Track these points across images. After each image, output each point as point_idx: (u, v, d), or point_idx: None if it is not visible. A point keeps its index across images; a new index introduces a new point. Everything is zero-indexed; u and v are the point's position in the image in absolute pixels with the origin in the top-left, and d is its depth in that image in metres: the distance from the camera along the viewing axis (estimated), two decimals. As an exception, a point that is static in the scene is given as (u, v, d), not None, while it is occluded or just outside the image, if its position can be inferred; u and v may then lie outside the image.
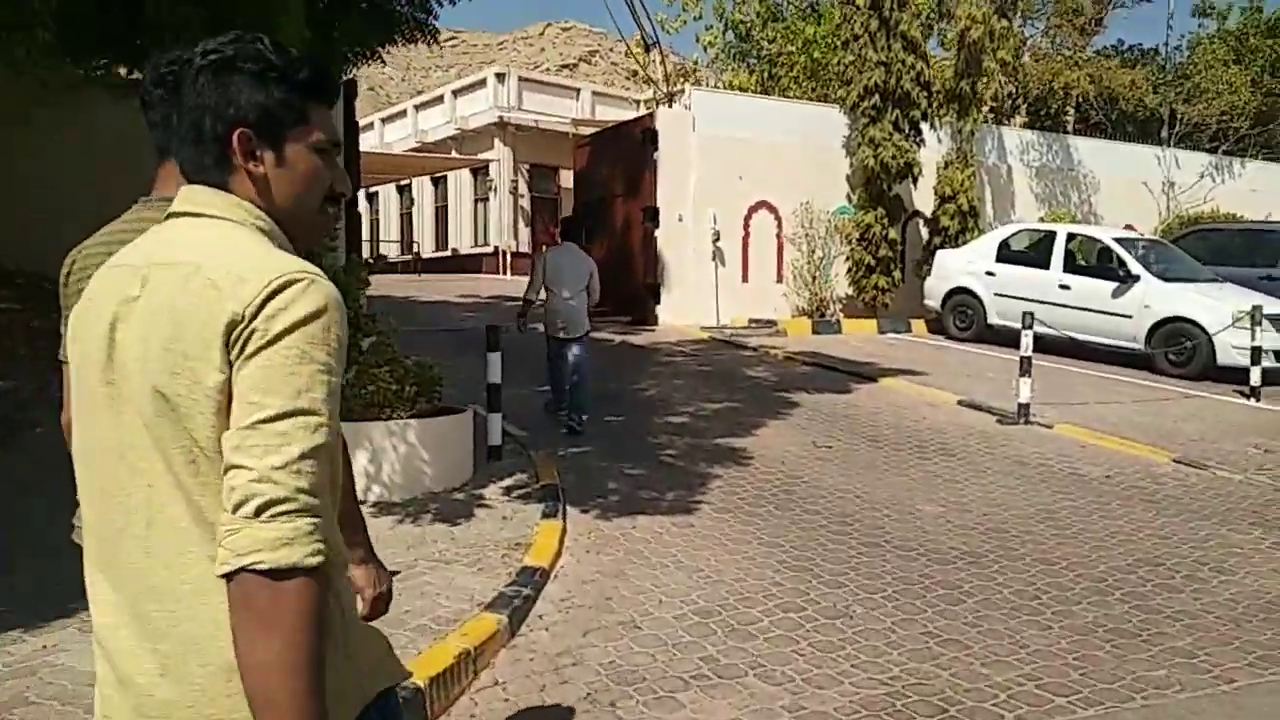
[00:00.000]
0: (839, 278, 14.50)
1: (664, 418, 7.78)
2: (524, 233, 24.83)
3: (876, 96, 13.95)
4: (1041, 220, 15.69)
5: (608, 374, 9.05)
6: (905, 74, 13.89)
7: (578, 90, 27.17)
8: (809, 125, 14.64)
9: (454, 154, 25.60)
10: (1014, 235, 13.02)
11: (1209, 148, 19.98)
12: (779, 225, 14.41)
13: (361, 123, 29.90)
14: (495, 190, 24.71)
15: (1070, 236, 12.07)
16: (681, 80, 17.60)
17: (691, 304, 13.72)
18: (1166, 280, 10.97)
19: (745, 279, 14.27)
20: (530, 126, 23.97)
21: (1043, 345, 9.33)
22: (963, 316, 12.81)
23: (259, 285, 1.05)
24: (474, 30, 64.65)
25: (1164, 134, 20.37)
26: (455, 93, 26.61)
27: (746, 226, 14.23)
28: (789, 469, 6.38)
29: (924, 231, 15.18)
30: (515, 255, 23.87)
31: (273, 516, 0.99)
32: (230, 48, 1.18)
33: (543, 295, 7.43)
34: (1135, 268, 11.06)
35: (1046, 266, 11.86)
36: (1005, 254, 12.56)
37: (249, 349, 1.03)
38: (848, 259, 14.35)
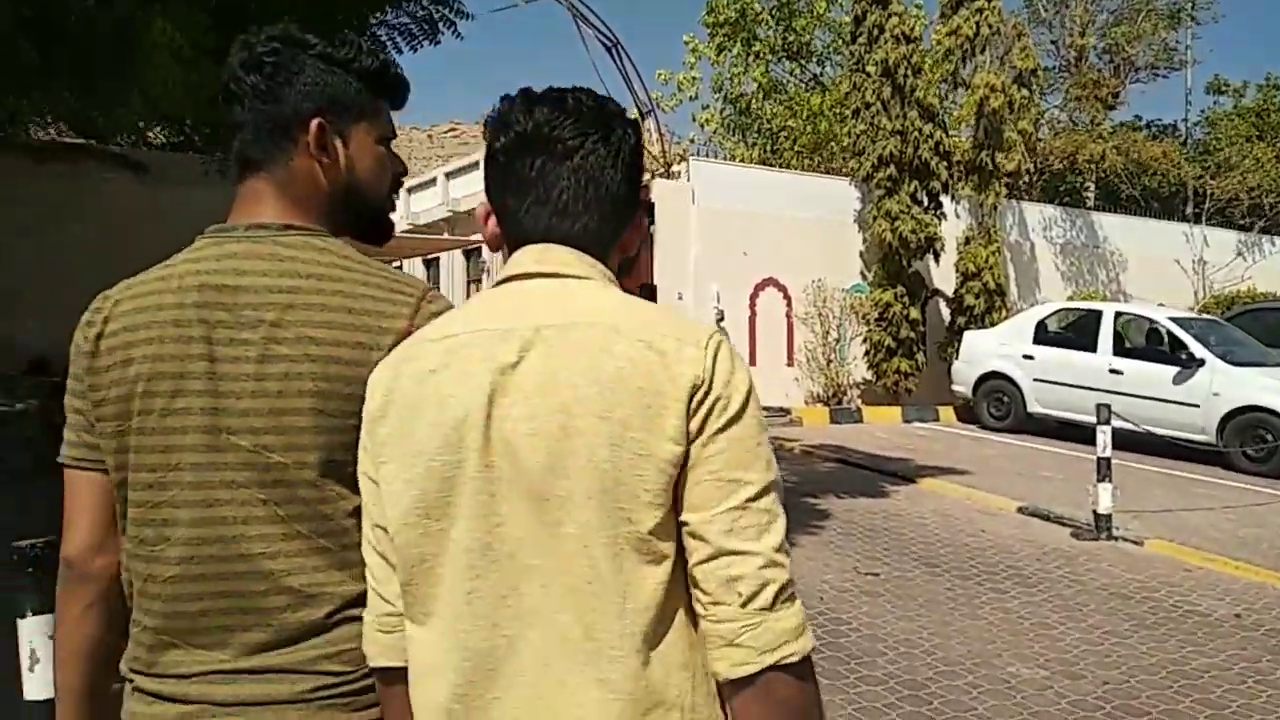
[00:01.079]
0: (856, 361, 13.22)
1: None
2: (516, 314, 23.91)
3: (892, 167, 12.89)
4: (1071, 299, 14.51)
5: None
6: (923, 142, 12.86)
7: (573, 170, 26.44)
8: (818, 198, 13.58)
9: (446, 235, 24.91)
10: (1052, 315, 11.78)
11: (1241, 224, 18.98)
12: (788, 304, 13.19)
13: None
14: (488, 272, 23.75)
15: (1118, 315, 10.81)
16: (679, 159, 16.64)
17: (694, 391, 12.37)
18: (1234, 365, 9.67)
19: (753, 362, 12.96)
20: (524, 206, 23.17)
21: (1090, 438, 7.84)
22: (998, 404, 11.46)
23: (700, 348, 0.96)
24: (473, 124, 65.22)
25: (1189, 210, 19.37)
26: (449, 175, 26.02)
27: (753, 305, 13.01)
28: (831, 608, 4.92)
29: (945, 311, 13.96)
30: (507, 337, 22.92)
31: (783, 603, 0.93)
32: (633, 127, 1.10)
33: None
34: (1198, 351, 9.76)
35: (1093, 349, 10.57)
36: (1044, 335, 11.29)
37: (716, 421, 0.94)
38: (865, 340, 13.10)
